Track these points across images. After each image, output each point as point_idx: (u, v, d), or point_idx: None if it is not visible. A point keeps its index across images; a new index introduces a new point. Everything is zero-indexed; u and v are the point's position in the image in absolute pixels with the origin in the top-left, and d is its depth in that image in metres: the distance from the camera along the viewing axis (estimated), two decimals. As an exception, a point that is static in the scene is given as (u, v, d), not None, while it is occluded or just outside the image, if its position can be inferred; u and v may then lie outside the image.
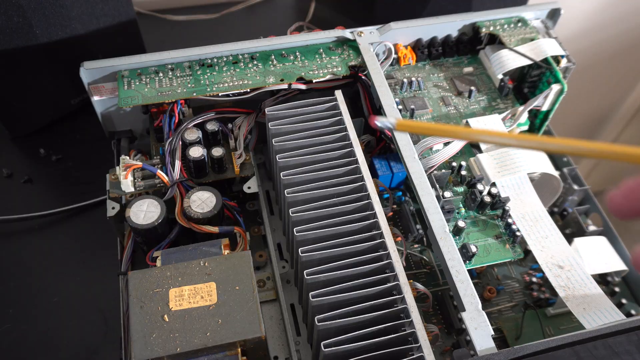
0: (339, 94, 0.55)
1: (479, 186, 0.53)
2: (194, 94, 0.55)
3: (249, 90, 0.57)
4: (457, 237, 0.52)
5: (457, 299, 0.44)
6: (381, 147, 0.63)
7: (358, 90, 0.60)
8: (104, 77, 0.56)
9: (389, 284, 0.44)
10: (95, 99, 0.58)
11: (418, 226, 0.61)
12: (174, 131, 0.55)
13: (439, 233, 0.47)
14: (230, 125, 0.58)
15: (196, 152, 0.54)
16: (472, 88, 0.61)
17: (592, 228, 0.61)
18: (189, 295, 0.43)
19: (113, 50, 0.61)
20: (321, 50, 0.60)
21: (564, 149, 0.29)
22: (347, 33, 0.60)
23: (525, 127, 0.61)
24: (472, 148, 0.58)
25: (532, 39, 0.62)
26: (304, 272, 0.44)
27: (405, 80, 0.61)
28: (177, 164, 0.53)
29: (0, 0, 0.56)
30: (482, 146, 0.56)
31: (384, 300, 0.43)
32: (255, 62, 0.58)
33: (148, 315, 0.42)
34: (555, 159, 0.67)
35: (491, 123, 0.57)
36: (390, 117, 0.33)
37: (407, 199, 0.63)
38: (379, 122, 0.37)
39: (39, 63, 0.64)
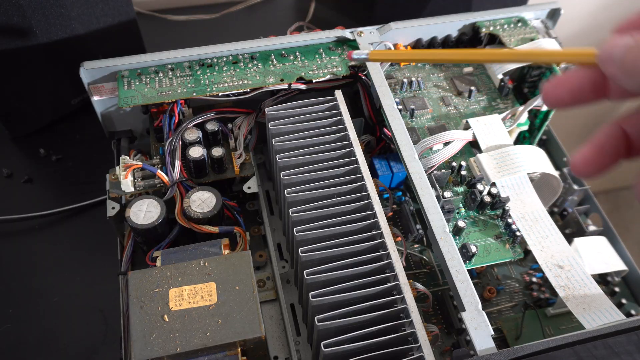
0: (339, 94, 0.55)
1: (479, 186, 0.53)
2: (194, 94, 0.55)
3: (249, 90, 0.57)
4: (457, 237, 0.52)
5: (457, 299, 0.44)
6: (381, 147, 0.63)
7: (358, 90, 0.60)
8: (104, 77, 0.56)
9: (389, 284, 0.44)
10: (95, 99, 0.58)
11: (418, 226, 0.61)
12: (174, 131, 0.55)
13: (439, 233, 0.47)
14: (230, 125, 0.58)
15: (196, 152, 0.54)
16: (472, 88, 0.61)
17: (592, 228, 0.61)
18: (189, 295, 0.43)
19: (113, 50, 0.61)
20: (321, 50, 0.60)
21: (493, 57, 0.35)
22: (347, 33, 0.60)
23: (525, 127, 0.61)
24: (472, 148, 0.58)
25: (532, 39, 0.62)
26: (304, 272, 0.44)
27: (405, 80, 0.61)
28: (177, 164, 0.53)
29: (1, 0, 0.56)
30: (482, 146, 0.56)
31: (384, 300, 0.43)
32: (255, 62, 0.58)
33: (148, 315, 0.42)
34: (555, 159, 0.67)
35: (491, 123, 0.57)
36: (364, 49, 0.39)
37: (407, 199, 0.63)
38: (355, 54, 0.43)
39: (39, 63, 0.64)
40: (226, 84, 0.56)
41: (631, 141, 0.27)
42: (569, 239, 0.54)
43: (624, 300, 0.58)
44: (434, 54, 0.42)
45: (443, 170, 0.55)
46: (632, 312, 0.58)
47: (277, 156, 0.51)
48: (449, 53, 0.41)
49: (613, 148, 0.28)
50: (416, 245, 0.61)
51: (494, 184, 0.54)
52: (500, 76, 0.61)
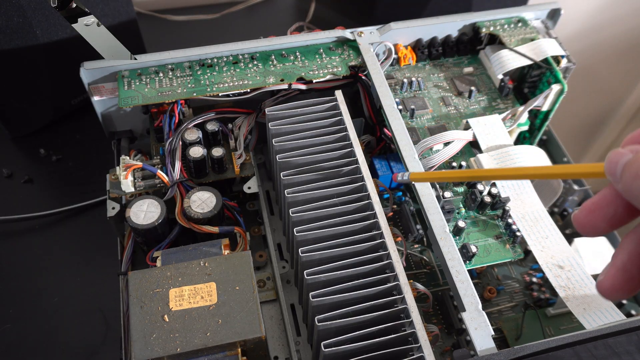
0: (339, 94, 0.55)
1: (479, 186, 0.53)
2: (194, 94, 0.55)
3: (249, 90, 0.57)
4: (457, 237, 0.52)
5: (457, 299, 0.44)
6: (381, 147, 0.63)
7: (358, 90, 0.60)
8: (104, 77, 0.56)
9: (389, 284, 0.44)
10: (95, 99, 0.58)
11: (418, 226, 0.61)
12: (174, 131, 0.55)
13: (439, 233, 0.47)
14: (230, 126, 0.58)
15: (196, 152, 0.54)
16: (472, 88, 0.61)
17: (592, 228, 0.61)
18: (189, 295, 0.43)
19: (113, 51, 0.61)
20: (321, 50, 0.60)
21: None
22: (347, 33, 0.60)
23: (525, 127, 0.61)
24: (472, 148, 0.58)
25: (532, 39, 0.62)
26: (304, 272, 0.44)
27: (405, 80, 0.61)
28: (177, 164, 0.53)
29: (1, 0, 0.56)
30: (482, 146, 0.56)
31: (384, 301, 0.43)
32: (255, 62, 0.58)
33: (148, 315, 0.42)
34: (555, 159, 0.67)
35: (491, 123, 0.57)
36: (406, 173, 0.48)
37: (407, 199, 0.63)
38: (399, 177, 0.48)
39: (39, 63, 0.64)
40: (226, 84, 0.56)
41: None
42: (569, 239, 0.55)
43: (624, 300, 0.58)
44: (467, 173, 0.41)
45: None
46: (632, 312, 0.58)
47: (277, 156, 0.51)
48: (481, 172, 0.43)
49: (637, 266, 0.25)
50: (416, 246, 0.61)
51: (494, 184, 0.54)
52: (500, 76, 0.61)
